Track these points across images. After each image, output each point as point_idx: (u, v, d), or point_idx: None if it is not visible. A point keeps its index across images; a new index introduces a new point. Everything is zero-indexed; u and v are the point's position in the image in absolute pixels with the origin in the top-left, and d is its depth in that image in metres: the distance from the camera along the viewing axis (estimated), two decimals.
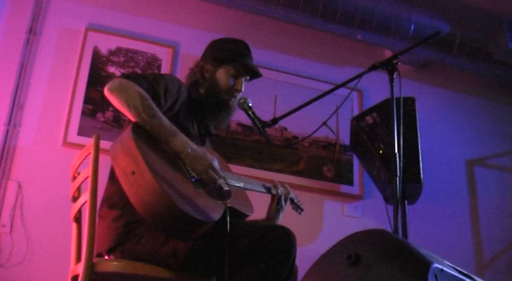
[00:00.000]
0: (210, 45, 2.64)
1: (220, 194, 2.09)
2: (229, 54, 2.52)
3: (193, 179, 2.04)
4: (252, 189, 2.53)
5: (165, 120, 2.05)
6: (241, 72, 2.53)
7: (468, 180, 4.61)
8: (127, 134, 1.95)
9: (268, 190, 2.64)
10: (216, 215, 1.98)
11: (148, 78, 2.14)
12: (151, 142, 2.01)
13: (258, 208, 2.56)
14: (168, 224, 1.86)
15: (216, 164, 2.10)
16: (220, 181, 2.11)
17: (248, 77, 2.57)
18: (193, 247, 2.01)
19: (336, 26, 4.10)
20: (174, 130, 2.05)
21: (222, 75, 2.50)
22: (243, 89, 2.53)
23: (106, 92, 2.05)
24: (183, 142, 2.05)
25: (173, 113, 2.25)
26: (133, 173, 1.85)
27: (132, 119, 2.02)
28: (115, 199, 2.17)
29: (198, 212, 1.88)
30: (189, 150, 2.05)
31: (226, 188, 2.16)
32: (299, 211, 2.88)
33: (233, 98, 2.51)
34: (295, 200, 2.84)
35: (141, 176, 1.84)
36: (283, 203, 2.64)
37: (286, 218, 2.68)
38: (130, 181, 1.87)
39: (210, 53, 2.57)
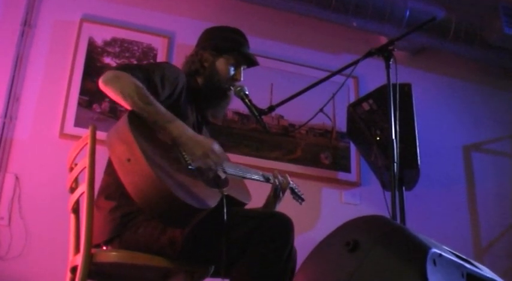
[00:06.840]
0: (205, 33, 2.62)
1: (217, 181, 2.08)
2: (229, 44, 2.52)
3: (190, 167, 2.03)
4: (250, 178, 2.53)
5: (161, 107, 2.04)
6: (241, 62, 2.53)
7: (465, 165, 4.63)
8: (123, 122, 1.95)
9: (267, 179, 2.64)
10: (212, 202, 1.98)
11: (143, 68, 2.14)
12: (147, 130, 2.00)
13: (258, 197, 2.56)
14: (163, 211, 1.86)
15: (216, 147, 2.10)
16: (218, 169, 2.11)
17: (246, 66, 2.58)
18: (191, 236, 2.01)
19: (331, 13, 4.09)
20: (170, 116, 2.05)
21: (222, 65, 2.48)
22: (242, 79, 2.54)
23: (101, 84, 2.05)
24: (181, 127, 2.05)
25: (173, 100, 2.24)
26: (128, 160, 1.85)
27: (129, 108, 2.02)
28: (111, 189, 2.17)
29: (193, 199, 1.88)
30: (188, 134, 2.05)
31: (223, 176, 2.16)
32: (299, 200, 2.88)
33: (232, 88, 2.51)
34: (296, 190, 2.84)
35: (137, 163, 1.84)
36: (280, 193, 2.64)
37: (284, 206, 2.68)
38: (126, 168, 1.87)
39: (208, 42, 2.55)
